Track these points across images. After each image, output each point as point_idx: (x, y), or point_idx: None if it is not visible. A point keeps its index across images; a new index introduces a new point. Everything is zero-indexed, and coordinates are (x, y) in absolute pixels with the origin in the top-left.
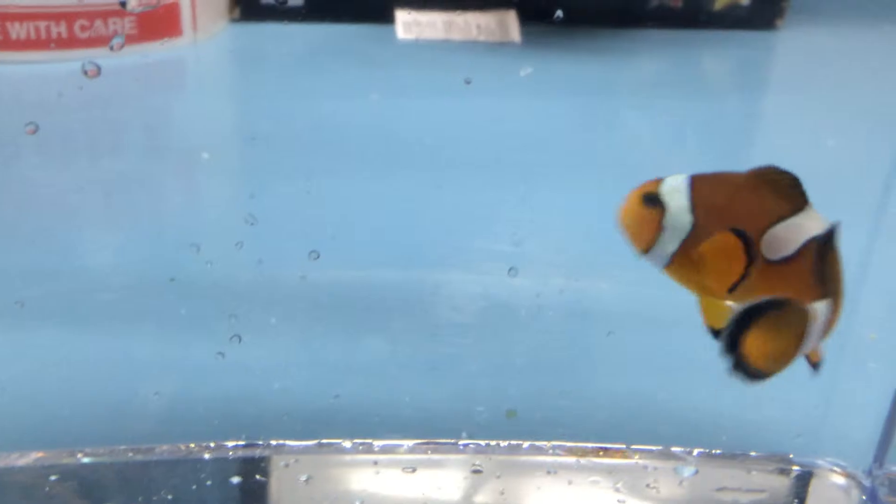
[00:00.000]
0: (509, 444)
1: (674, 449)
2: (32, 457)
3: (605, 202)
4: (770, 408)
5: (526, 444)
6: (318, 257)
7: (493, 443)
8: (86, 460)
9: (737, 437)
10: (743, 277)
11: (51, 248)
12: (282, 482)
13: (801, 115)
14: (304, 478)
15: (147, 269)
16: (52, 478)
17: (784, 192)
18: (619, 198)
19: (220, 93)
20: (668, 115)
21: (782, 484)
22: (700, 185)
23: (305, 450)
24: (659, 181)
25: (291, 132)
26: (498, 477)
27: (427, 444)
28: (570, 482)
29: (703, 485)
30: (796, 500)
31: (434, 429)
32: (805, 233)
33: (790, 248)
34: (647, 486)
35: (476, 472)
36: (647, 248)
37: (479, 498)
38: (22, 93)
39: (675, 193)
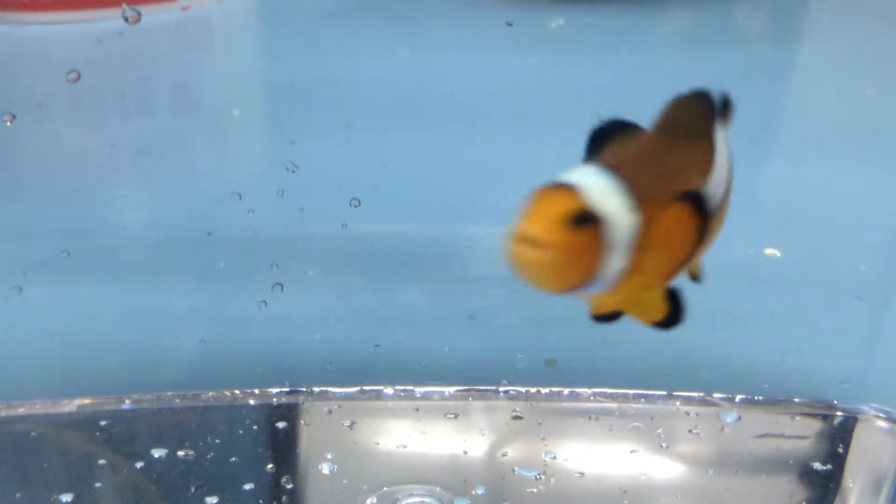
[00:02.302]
0: (550, 391)
1: (716, 396)
2: (82, 403)
3: None
4: (813, 355)
5: (566, 391)
6: (359, 205)
7: (533, 390)
8: (132, 406)
9: (779, 384)
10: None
11: (90, 205)
12: (326, 427)
13: (838, 65)
14: (347, 423)
15: (185, 224)
16: (102, 423)
17: (698, 126)
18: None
19: (251, 49)
20: (701, 66)
21: (826, 430)
22: (625, 167)
23: (348, 396)
24: (566, 188)
25: (325, 87)
26: (539, 423)
27: (468, 390)
28: (610, 428)
29: (746, 431)
30: (840, 446)
31: (474, 377)
32: (724, 155)
33: (727, 185)
34: (690, 431)
35: (516, 418)
36: (585, 280)
37: (520, 443)
38: (51, 53)
39: (606, 193)
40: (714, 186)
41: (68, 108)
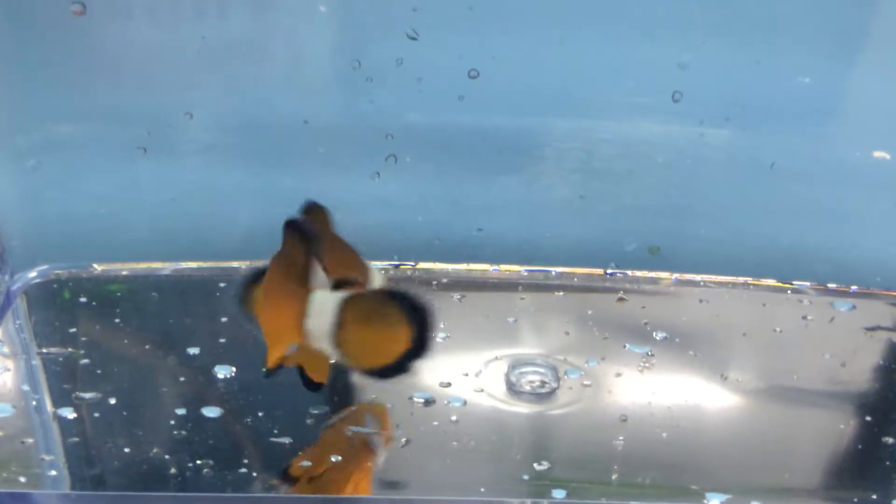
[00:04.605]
0: (657, 275)
1: (830, 285)
2: (201, 265)
3: (749, 59)
4: None
5: (674, 276)
6: (478, 76)
7: (639, 273)
8: (249, 270)
9: (893, 277)
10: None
11: (184, 93)
12: (437, 299)
13: None
14: (457, 297)
15: (289, 107)
16: (222, 284)
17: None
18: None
19: None
20: None
21: None
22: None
23: (456, 273)
24: None
25: None
26: (643, 308)
27: (573, 273)
28: (718, 314)
29: (858, 321)
30: None
31: (577, 261)
32: None
33: None
34: (803, 317)
35: (622, 300)
36: None
37: (629, 323)
38: None
39: None
40: None
41: (147, 9)
